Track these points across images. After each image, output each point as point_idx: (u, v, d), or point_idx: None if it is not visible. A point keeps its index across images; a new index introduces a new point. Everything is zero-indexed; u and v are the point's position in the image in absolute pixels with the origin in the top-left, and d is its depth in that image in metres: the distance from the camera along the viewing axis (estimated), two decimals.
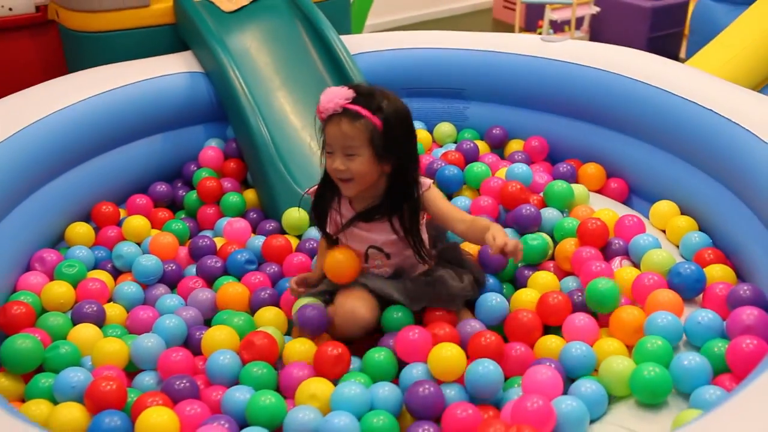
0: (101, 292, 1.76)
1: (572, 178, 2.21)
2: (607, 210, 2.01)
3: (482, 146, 2.37)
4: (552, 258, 1.90)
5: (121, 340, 1.58)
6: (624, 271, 1.77)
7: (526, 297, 1.72)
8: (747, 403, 1.16)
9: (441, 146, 2.43)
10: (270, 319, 1.68)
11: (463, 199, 2.09)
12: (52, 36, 2.49)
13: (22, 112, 1.93)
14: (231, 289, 1.76)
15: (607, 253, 1.86)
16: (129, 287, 1.80)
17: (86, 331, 1.62)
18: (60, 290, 1.71)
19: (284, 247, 1.92)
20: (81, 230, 1.96)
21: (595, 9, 4.03)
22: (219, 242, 1.98)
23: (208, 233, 2.06)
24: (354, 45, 2.40)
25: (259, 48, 2.32)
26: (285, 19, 2.41)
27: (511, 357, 1.53)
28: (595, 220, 1.89)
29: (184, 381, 1.46)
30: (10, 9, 2.39)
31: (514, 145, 2.38)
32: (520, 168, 2.10)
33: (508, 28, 4.67)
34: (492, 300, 1.68)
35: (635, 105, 2.15)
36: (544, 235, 1.90)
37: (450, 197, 2.11)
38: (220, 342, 1.57)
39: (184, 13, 2.31)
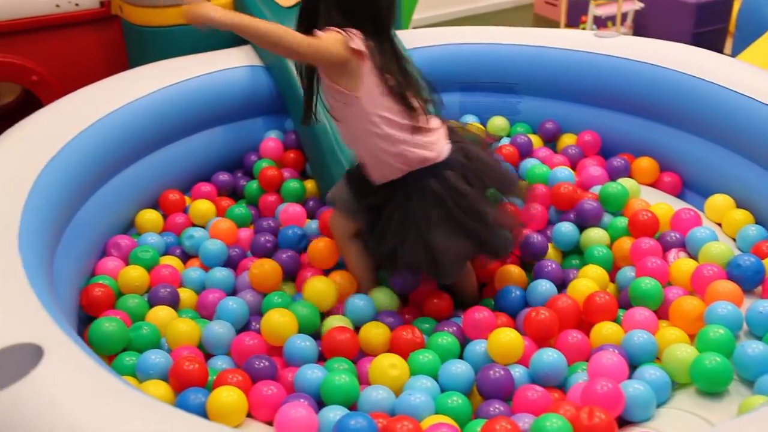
0: (173, 276, 1.83)
1: (626, 172, 2.23)
2: (662, 204, 2.04)
3: (535, 140, 2.41)
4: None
5: (194, 322, 1.65)
6: (682, 263, 1.80)
7: (583, 287, 1.76)
8: None
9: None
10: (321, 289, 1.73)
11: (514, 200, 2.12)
12: (114, 31, 2.56)
13: (94, 105, 1.99)
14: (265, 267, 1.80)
15: (663, 246, 1.89)
16: (195, 272, 1.88)
17: (162, 313, 1.69)
18: (135, 274, 1.78)
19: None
20: (151, 217, 2.04)
21: (640, 5, 4.03)
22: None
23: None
24: (409, 40, 2.44)
25: None
26: None
27: (567, 343, 1.58)
28: (646, 212, 1.92)
29: (264, 361, 1.52)
30: (77, 4, 2.46)
31: (567, 139, 2.41)
32: (564, 172, 2.12)
33: (550, 23, 4.68)
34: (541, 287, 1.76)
35: (688, 99, 2.17)
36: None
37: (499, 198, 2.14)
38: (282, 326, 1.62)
39: (244, 7, 2.37)
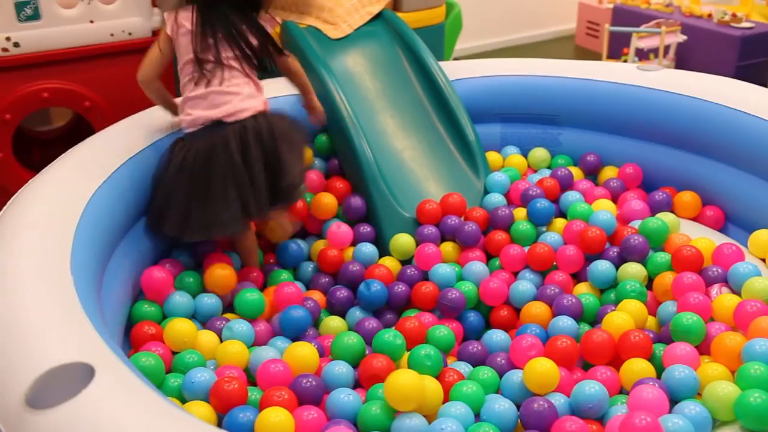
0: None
1: (668, 206, 2.22)
2: (704, 239, 2.02)
3: (576, 172, 2.41)
4: (649, 288, 1.93)
5: (243, 343, 1.69)
6: (724, 298, 1.78)
7: (619, 320, 1.76)
8: None
9: (536, 171, 2.48)
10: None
11: (553, 235, 2.12)
12: None
13: (144, 132, 2.03)
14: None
15: (705, 280, 1.88)
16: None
17: (209, 338, 1.74)
18: (182, 300, 1.82)
19: (386, 276, 2.01)
20: None
21: (682, 37, 4.03)
22: (321, 245, 2.14)
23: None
24: (452, 71, 2.48)
25: (362, 73, 2.42)
26: (386, 45, 2.52)
27: (596, 379, 1.58)
28: (690, 247, 1.90)
29: (311, 380, 1.55)
30: (130, 33, 2.55)
31: (609, 172, 2.41)
32: (605, 215, 2.10)
33: (592, 55, 4.69)
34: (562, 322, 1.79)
35: (731, 133, 2.17)
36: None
37: (539, 233, 2.17)
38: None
39: (293, 39, 2.42)
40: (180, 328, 1.70)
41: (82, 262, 1.55)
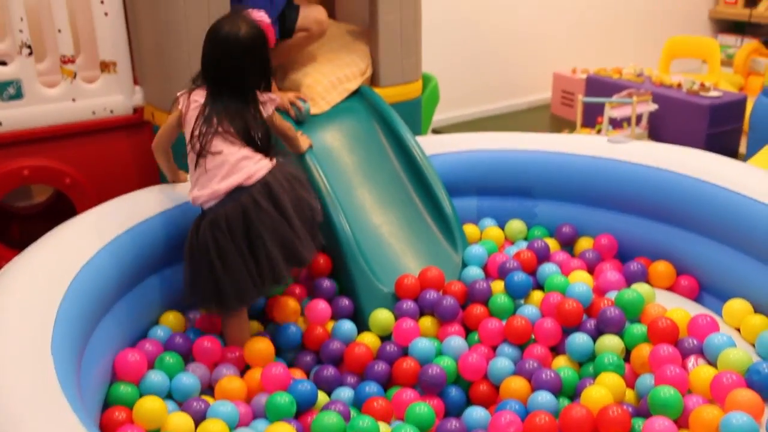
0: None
1: (643, 276, 2.25)
2: (679, 309, 2.04)
3: (552, 243, 2.45)
4: (627, 359, 1.94)
5: (223, 422, 1.67)
6: (701, 371, 1.80)
7: (597, 395, 1.76)
8: None
9: (513, 243, 2.52)
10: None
11: (530, 308, 2.13)
12: (146, 135, 2.66)
13: (125, 216, 2.03)
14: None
15: (682, 352, 1.89)
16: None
17: (182, 420, 1.71)
18: (158, 379, 1.81)
19: (365, 354, 2.01)
20: (172, 318, 2.09)
21: (654, 106, 4.13)
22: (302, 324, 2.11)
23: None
24: (428, 145, 2.53)
25: (340, 148, 2.46)
26: (363, 120, 2.57)
27: None
28: (666, 319, 1.93)
29: None
30: (111, 111, 2.59)
31: (584, 243, 2.44)
32: (581, 288, 2.12)
33: (567, 123, 4.79)
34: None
35: (702, 204, 2.22)
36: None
37: (517, 306, 2.19)
38: None
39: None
40: (149, 406, 1.68)
41: (63, 344, 1.55)
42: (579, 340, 1.97)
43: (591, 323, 2.04)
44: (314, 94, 2.56)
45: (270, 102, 2.02)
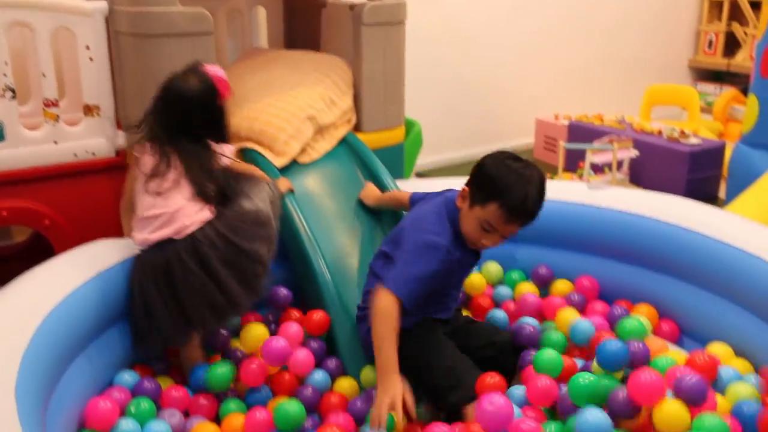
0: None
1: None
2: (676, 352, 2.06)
3: (530, 286, 2.47)
4: None
5: None
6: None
7: None
8: None
9: (492, 285, 2.52)
10: None
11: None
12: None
13: (99, 260, 2.03)
14: None
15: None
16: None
17: None
18: (130, 426, 1.78)
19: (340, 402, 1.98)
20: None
21: (635, 152, 4.18)
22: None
23: None
24: (409, 189, 2.54)
25: (321, 193, 2.47)
26: (345, 165, 2.58)
27: None
28: (705, 354, 1.94)
29: None
30: (93, 153, 2.58)
31: (561, 285, 2.46)
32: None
33: (549, 168, 4.83)
34: None
35: (681, 250, 2.25)
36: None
37: None
38: None
39: (253, 160, 2.47)
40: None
41: (28, 390, 1.52)
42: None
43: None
44: (283, 147, 2.53)
45: (222, 153, 2.07)
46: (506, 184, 1.85)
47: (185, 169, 1.99)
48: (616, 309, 2.28)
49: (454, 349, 1.96)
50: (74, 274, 1.93)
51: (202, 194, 1.99)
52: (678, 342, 2.26)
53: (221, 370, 1.95)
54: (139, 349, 2.02)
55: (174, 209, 1.96)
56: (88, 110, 2.54)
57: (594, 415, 1.64)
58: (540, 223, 2.44)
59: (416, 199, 2.20)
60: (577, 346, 2.13)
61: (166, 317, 1.93)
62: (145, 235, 1.98)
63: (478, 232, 1.91)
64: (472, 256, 2.03)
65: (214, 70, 2.07)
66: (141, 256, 2.00)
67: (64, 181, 2.56)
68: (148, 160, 2.02)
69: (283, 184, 2.32)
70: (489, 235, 1.91)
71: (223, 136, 2.10)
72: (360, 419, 1.91)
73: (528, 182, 1.86)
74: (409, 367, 1.82)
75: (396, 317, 1.81)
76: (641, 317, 2.16)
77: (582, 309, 2.35)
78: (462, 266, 2.03)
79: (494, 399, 1.61)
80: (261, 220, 2.03)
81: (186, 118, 2.01)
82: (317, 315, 2.14)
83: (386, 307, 1.81)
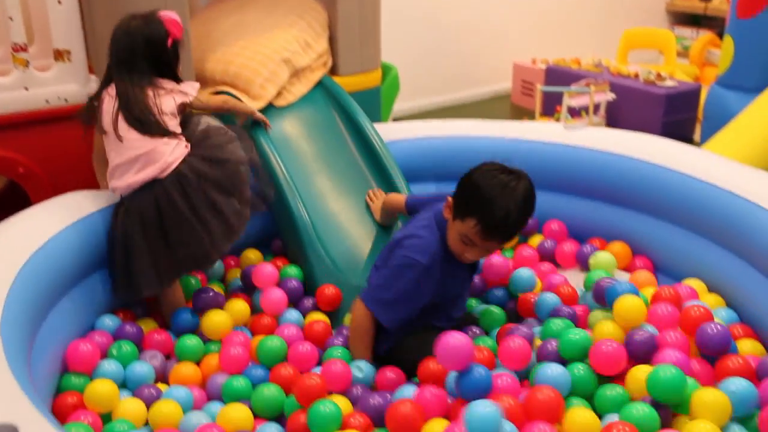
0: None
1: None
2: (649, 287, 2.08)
3: None
4: None
5: (176, 403, 1.67)
6: None
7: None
8: None
9: None
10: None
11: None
12: None
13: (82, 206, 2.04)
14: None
15: None
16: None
17: (135, 405, 1.70)
18: (111, 368, 1.80)
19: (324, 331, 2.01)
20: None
21: (611, 95, 4.19)
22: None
23: None
24: (387, 133, 2.54)
25: (299, 137, 2.46)
26: (322, 109, 2.56)
27: None
28: (699, 307, 1.82)
29: None
30: (66, 100, 2.54)
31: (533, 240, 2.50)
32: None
33: (527, 112, 4.83)
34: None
35: (657, 188, 2.27)
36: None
37: None
38: None
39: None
40: (101, 389, 1.68)
41: (12, 324, 1.53)
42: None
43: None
44: (260, 90, 2.51)
45: (177, 92, 2.07)
46: (487, 200, 1.74)
47: (119, 103, 2.00)
48: (585, 247, 2.32)
49: None
50: (54, 221, 1.93)
51: (138, 124, 1.98)
52: None
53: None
54: (123, 295, 2.02)
55: (150, 147, 1.96)
56: (59, 55, 2.49)
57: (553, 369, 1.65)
58: (519, 163, 2.47)
59: (411, 203, 2.11)
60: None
61: (160, 259, 1.94)
62: (128, 180, 1.97)
63: (460, 245, 1.81)
64: (466, 268, 1.95)
65: (166, 13, 2.08)
66: (124, 203, 1.99)
67: (37, 129, 2.52)
68: (107, 105, 2.02)
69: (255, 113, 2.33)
70: (470, 249, 1.81)
71: (176, 76, 2.10)
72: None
73: (510, 198, 1.75)
74: (408, 365, 1.81)
75: (371, 332, 1.86)
76: (607, 253, 2.22)
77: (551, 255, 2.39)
78: (455, 278, 1.92)
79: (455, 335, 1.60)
80: (220, 129, 2.08)
81: (130, 57, 2.02)
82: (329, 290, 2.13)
83: (362, 323, 1.85)
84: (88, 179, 2.28)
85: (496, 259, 2.16)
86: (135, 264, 1.94)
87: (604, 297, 1.89)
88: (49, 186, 2.47)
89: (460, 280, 1.96)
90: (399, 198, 2.19)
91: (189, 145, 2.02)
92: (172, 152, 1.97)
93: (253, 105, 2.41)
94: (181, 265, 1.99)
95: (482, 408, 1.39)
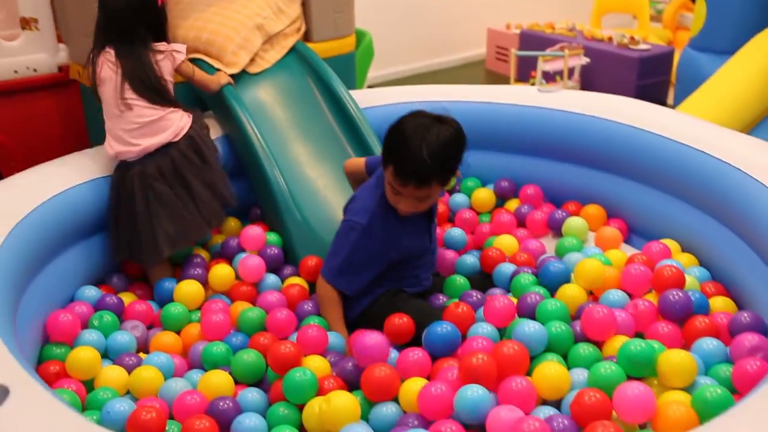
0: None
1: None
2: (616, 251, 2.12)
3: (488, 194, 2.51)
4: None
5: (157, 369, 1.67)
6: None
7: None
8: (749, 411, 1.23)
9: (449, 193, 2.55)
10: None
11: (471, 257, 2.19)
12: (73, 95, 2.60)
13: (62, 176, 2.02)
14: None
15: None
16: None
17: (116, 373, 1.70)
18: (92, 338, 1.79)
19: (299, 294, 2.02)
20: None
21: (586, 60, 4.20)
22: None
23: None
24: (362, 99, 2.53)
25: (274, 104, 2.44)
26: (297, 76, 2.54)
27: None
28: (672, 267, 1.85)
29: (228, 402, 1.55)
30: (35, 70, 2.50)
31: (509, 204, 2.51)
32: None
33: (502, 78, 4.83)
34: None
35: (630, 149, 2.28)
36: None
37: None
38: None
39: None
40: (83, 356, 1.68)
41: None
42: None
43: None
44: (233, 57, 2.48)
45: (171, 53, 2.09)
46: (401, 143, 1.70)
47: (124, 71, 2.00)
48: (557, 213, 2.33)
49: (418, 301, 1.90)
50: (39, 190, 1.92)
51: (147, 93, 2.01)
52: (627, 240, 2.32)
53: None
54: (125, 257, 2.05)
55: (160, 115, 2.02)
56: (26, 23, 2.45)
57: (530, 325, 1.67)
58: (491, 127, 2.49)
59: (371, 165, 2.03)
60: None
61: (179, 219, 1.99)
62: (144, 144, 1.99)
63: (392, 196, 1.77)
64: (422, 220, 1.89)
65: None
66: (135, 165, 2.00)
67: (5, 100, 2.49)
68: (107, 73, 2.02)
69: (223, 77, 2.32)
70: (401, 199, 1.76)
71: (167, 38, 2.11)
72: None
73: (422, 140, 1.68)
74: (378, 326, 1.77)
75: (336, 301, 1.86)
76: (580, 218, 2.25)
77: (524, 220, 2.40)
78: (410, 232, 1.86)
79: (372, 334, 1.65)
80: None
81: (129, 21, 2.01)
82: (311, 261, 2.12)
83: (325, 295, 1.87)
84: (60, 150, 2.26)
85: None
86: (155, 225, 1.97)
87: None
88: (20, 158, 2.44)
89: (418, 233, 1.89)
90: (359, 162, 2.09)
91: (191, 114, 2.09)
92: (181, 118, 2.05)
93: (227, 71, 2.39)
94: (201, 225, 2.05)
95: (471, 392, 1.45)
